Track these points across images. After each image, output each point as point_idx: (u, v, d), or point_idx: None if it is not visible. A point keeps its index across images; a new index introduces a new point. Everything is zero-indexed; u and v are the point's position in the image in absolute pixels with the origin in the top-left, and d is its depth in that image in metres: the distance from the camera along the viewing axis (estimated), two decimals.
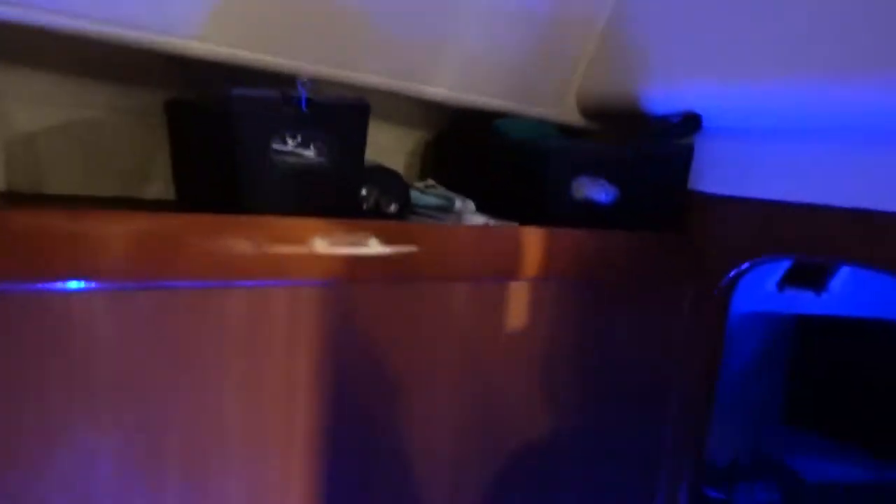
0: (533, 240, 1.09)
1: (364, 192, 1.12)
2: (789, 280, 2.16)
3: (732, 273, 1.20)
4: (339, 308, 0.95)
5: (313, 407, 0.94)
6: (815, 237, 1.10)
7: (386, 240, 0.96)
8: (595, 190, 1.19)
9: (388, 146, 1.47)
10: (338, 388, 0.96)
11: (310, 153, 0.97)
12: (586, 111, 1.42)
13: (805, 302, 2.29)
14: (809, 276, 2.23)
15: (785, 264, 2.13)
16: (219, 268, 0.86)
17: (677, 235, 1.28)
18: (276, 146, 0.94)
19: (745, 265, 1.18)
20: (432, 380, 1.04)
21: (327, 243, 0.92)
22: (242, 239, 0.87)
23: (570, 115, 1.42)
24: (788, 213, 1.12)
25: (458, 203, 1.27)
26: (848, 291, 2.28)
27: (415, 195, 1.28)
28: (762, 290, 2.05)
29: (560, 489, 1.22)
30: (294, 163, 0.96)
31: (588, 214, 1.19)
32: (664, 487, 1.32)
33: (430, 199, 1.29)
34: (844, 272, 2.24)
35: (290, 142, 0.95)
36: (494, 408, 1.12)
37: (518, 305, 1.10)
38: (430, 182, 1.40)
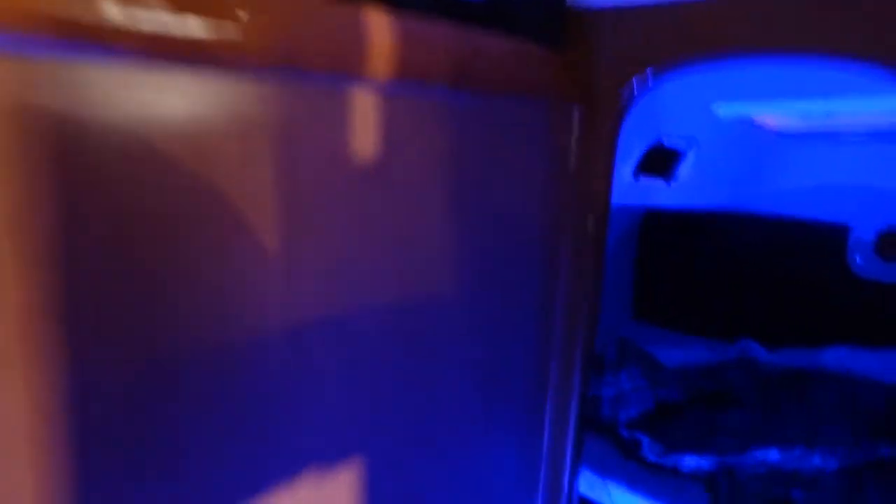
0: (384, 26, 0.78)
1: None
2: (642, 168, 2.14)
3: (627, 91, 0.99)
4: (59, 114, 0.57)
5: (47, 285, 0.56)
6: (711, 33, 0.91)
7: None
8: None
9: None
10: (94, 245, 0.58)
11: None
12: None
13: (655, 192, 2.30)
14: (659, 164, 2.24)
15: (638, 153, 2.08)
16: None
17: (561, 51, 1.03)
18: None
19: (642, 81, 0.97)
20: (244, 222, 0.70)
21: None
22: None
23: None
24: (679, 14, 0.93)
25: None
26: (693, 182, 2.33)
27: None
28: (617, 182, 1.96)
29: (437, 358, 0.95)
30: None
31: (452, 7, 0.90)
32: (559, 340, 1.11)
33: None
34: (690, 161, 2.27)
35: None
36: (341, 256, 0.80)
37: (368, 117, 0.78)
38: None
